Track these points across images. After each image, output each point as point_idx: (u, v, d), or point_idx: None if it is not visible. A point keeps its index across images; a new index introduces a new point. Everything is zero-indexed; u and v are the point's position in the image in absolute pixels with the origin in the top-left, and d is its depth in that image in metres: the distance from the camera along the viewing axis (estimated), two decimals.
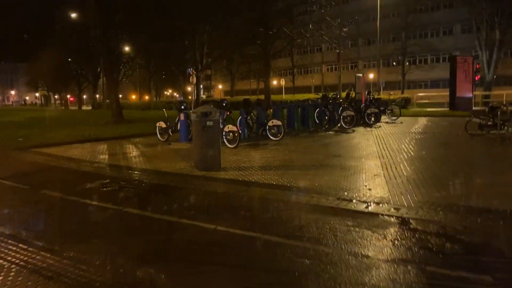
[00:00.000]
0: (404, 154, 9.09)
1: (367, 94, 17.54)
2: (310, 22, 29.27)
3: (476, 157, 8.91)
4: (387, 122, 16.83)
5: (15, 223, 5.08)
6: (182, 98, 40.59)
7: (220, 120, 8.92)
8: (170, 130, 12.63)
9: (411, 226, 4.52)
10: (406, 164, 7.85)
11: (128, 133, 14.96)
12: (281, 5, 26.93)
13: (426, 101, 28.68)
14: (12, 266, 3.71)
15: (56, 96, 75.22)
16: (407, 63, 48.23)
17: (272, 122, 12.22)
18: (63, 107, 66.04)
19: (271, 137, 12.08)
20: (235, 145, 10.55)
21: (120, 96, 54.37)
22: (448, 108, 23.08)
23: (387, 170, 7.39)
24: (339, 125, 15.30)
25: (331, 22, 29.37)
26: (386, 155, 8.95)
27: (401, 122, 16.72)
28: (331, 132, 13.98)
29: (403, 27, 47.05)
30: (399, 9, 47.56)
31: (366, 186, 6.25)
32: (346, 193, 5.83)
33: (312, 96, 23.60)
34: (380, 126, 15.38)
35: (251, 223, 4.78)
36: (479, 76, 25.54)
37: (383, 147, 10.12)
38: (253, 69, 52.60)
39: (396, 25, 47.28)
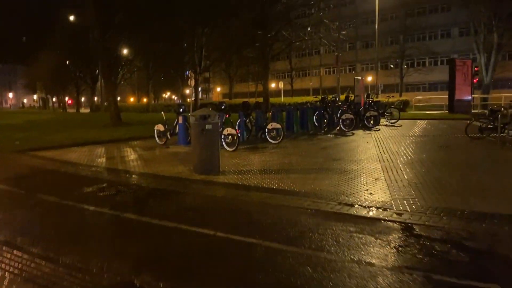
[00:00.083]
0: (405, 157, 9.01)
1: (366, 97, 17.49)
2: (308, 25, 29.18)
3: (478, 160, 8.83)
4: (386, 125, 16.77)
5: (9, 229, 4.97)
6: (180, 101, 40.50)
7: (219, 123, 8.83)
8: (168, 133, 12.53)
9: (415, 232, 4.43)
10: (407, 168, 7.77)
11: (126, 136, 14.86)
12: (280, 7, 26.88)
13: (425, 104, 28.67)
14: (5, 275, 3.61)
15: (54, 99, 74.98)
16: (405, 66, 48.28)
17: (271, 125, 12.13)
18: (61, 110, 65.83)
19: (270, 140, 11.99)
20: (234, 148, 10.46)
21: (119, 98, 54.25)
22: (447, 111, 23.06)
23: (388, 173, 7.31)
24: (338, 128, 15.26)
25: (329, 25, 29.33)
26: (386, 159, 8.87)
27: (400, 125, 16.67)
28: (331, 135, 13.91)
29: (401, 30, 47.19)
30: (397, 12, 47.71)
31: (367, 190, 6.17)
32: (347, 198, 5.74)
33: (310, 99, 23.54)
34: (379, 129, 15.32)
35: (251, 229, 4.68)
36: (477, 79, 25.53)
37: (383, 150, 10.04)
38: (251, 71, 52.53)
39: (394, 28, 47.43)
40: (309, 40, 29.88)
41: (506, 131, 10.80)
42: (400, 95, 39.45)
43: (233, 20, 28.43)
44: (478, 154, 9.61)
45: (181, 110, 12.49)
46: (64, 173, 8.65)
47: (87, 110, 58.12)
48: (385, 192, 6.00)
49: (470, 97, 22.55)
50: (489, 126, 11.17)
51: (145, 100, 56.58)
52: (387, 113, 18.02)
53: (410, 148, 10.38)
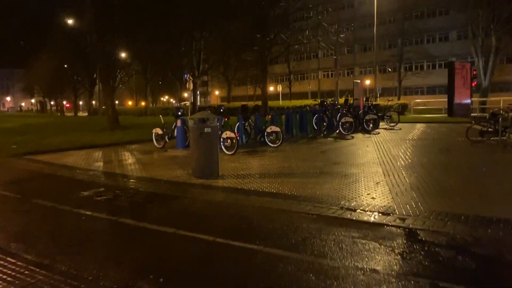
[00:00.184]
0: (405, 160, 8.92)
1: (366, 100, 17.42)
2: (307, 28, 29.19)
3: (479, 164, 8.74)
4: (385, 128, 16.69)
5: (3, 235, 4.85)
6: (179, 104, 40.40)
7: (218, 127, 8.74)
8: (166, 136, 12.43)
9: (419, 238, 4.33)
10: (408, 171, 7.68)
11: (124, 140, 14.74)
12: (278, 11, 26.86)
13: (423, 107, 28.62)
14: None
15: (52, 103, 74.83)
16: (404, 70, 48.31)
17: (271, 129, 12.04)
18: (59, 114, 65.67)
19: (270, 144, 11.90)
20: (233, 152, 10.36)
21: (117, 102, 54.20)
22: (445, 114, 23.01)
23: (389, 177, 7.22)
24: (337, 131, 15.17)
25: (328, 28, 29.34)
26: (387, 162, 8.78)
27: (400, 129, 16.59)
28: (330, 139, 13.81)
29: (400, 34, 47.23)
30: (396, 16, 47.76)
31: (368, 194, 6.07)
32: (349, 202, 5.64)
33: (309, 102, 23.47)
34: (379, 133, 15.24)
35: (251, 235, 4.57)
36: (475, 82, 25.52)
37: (383, 154, 9.95)
38: (249, 75, 52.55)
39: (392, 31, 47.45)
40: (307, 43, 29.89)
41: (507, 134, 10.73)
42: (399, 99, 39.43)
43: (231, 23, 28.39)
44: (479, 158, 9.52)
45: (179, 113, 12.39)
46: (61, 177, 8.53)
47: (85, 114, 57.94)
48: (387, 197, 5.90)
49: (469, 101, 22.52)
50: (490, 129, 11.10)
51: (143, 103, 56.48)
52: (387, 116, 17.95)
53: (411, 152, 10.30)
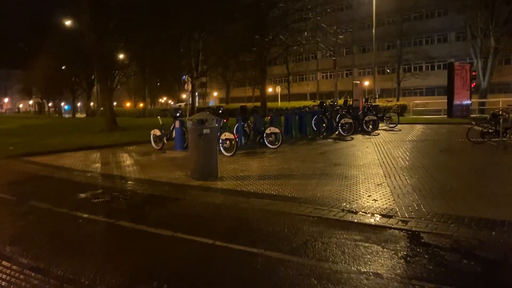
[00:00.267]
0: (406, 162, 8.84)
1: (365, 101, 17.35)
2: (306, 30, 29.13)
3: (481, 165, 8.68)
4: (385, 130, 16.62)
5: None
6: (177, 105, 40.31)
7: (218, 128, 8.66)
8: (165, 138, 12.32)
9: (423, 241, 4.24)
10: (409, 173, 7.60)
11: (122, 141, 14.63)
12: (277, 12, 26.81)
13: (422, 108, 28.59)
14: None
15: (50, 104, 74.64)
16: (402, 71, 48.29)
17: (270, 130, 11.95)
18: (57, 115, 65.50)
19: (269, 145, 11.81)
20: (232, 153, 10.27)
21: (115, 103, 54.01)
22: (445, 115, 22.97)
23: (390, 179, 7.14)
24: (337, 132, 15.10)
25: (326, 29, 29.29)
26: (388, 163, 8.70)
27: (400, 130, 16.52)
28: (330, 140, 13.74)
29: (398, 35, 47.18)
30: (394, 17, 47.74)
31: (370, 196, 5.99)
32: (350, 205, 5.56)
33: (308, 103, 23.41)
34: (378, 134, 15.16)
35: (251, 238, 4.49)
36: (474, 83, 25.50)
37: (383, 155, 9.87)
38: (248, 76, 52.47)
39: (391, 33, 47.41)
40: (306, 44, 29.82)
41: (507, 135, 10.67)
42: (398, 100, 39.37)
43: (230, 24, 28.34)
44: (480, 159, 9.46)
45: (177, 114, 12.30)
46: (58, 179, 8.44)
47: (83, 115, 57.80)
48: (388, 198, 5.81)
49: (469, 102, 22.48)
50: (490, 130, 11.04)
51: (141, 105, 56.38)
52: (386, 117, 17.88)
53: (411, 153, 10.23)
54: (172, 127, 12.33)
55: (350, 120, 14.57)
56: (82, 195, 6.77)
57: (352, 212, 5.24)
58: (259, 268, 3.70)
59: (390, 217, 4.99)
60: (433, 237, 4.32)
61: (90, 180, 8.13)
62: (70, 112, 65.24)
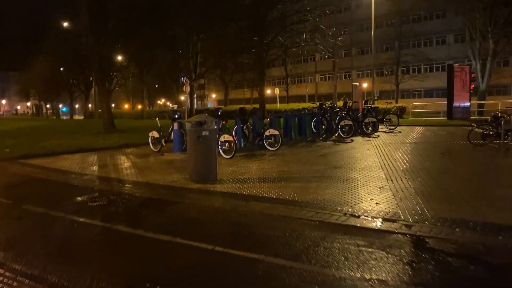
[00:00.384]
0: (407, 164, 8.74)
1: (365, 103, 17.26)
2: (304, 31, 29.03)
3: (483, 168, 8.58)
4: (385, 132, 16.53)
5: None
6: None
7: (217, 130, 8.54)
8: (163, 140, 12.20)
9: (428, 246, 4.14)
10: (411, 176, 7.49)
11: (120, 143, 14.50)
12: (276, 13, 26.72)
13: (421, 110, 28.54)
14: None
15: (48, 106, 74.42)
16: (401, 73, 48.26)
17: (269, 132, 11.84)
18: (55, 117, 65.28)
19: (268, 147, 11.70)
20: (231, 155, 10.15)
21: (113, 105, 53.92)
22: (444, 117, 22.90)
23: (392, 182, 7.03)
24: (336, 134, 15.01)
25: (325, 31, 29.22)
26: (389, 166, 8.60)
27: (400, 132, 16.42)
28: (329, 142, 13.63)
29: (397, 37, 47.17)
30: (393, 19, 47.74)
31: (372, 200, 5.88)
32: (352, 208, 5.45)
33: (306, 105, 23.32)
34: (378, 136, 15.06)
35: (252, 243, 4.37)
36: (473, 85, 25.44)
37: (384, 158, 9.77)
38: (247, 78, 52.37)
39: (389, 35, 47.39)
40: (305, 46, 29.70)
41: (509, 137, 10.58)
42: (396, 102, 39.32)
43: (229, 26, 28.24)
44: (482, 162, 9.36)
45: (176, 116, 12.18)
46: (54, 182, 8.31)
47: (81, 117, 57.61)
48: (391, 202, 5.71)
49: (468, 103, 22.42)
50: (491, 132, 10.95)
51: (139, 106, 56.24)
52: (386, 119, 17.79)
53: (412, 155, 10.12)
54: (170, 129, 12.21)
55: (350, 122, 14.48)
56: (79, 199, 6.65)
57: (354, 216, 5.13)
58: (260, 275, 3.59)
59: (393, 221, 4.88)
60: (438, 242, 4.21)
61: (87, 183, 8.00)
62: (68, 114, 65.03)
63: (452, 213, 5.13)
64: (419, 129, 17.98)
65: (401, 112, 24.79)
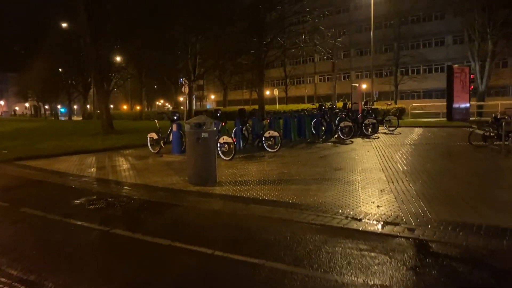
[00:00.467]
0: (408, 166, 8.67)
1: (364, 104, 17.20)
2: (303, 32, 29.01)
3: (485, 170, 8.51)
4: (385, 133, 16.46)
5: None
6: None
7: (216, 131, 8.46)
8: (162, 141, 12.12)
9: (431, 250, 4.06)
10: (412, 178, 7.42)
11: (118, 145, 14.41)
12: (275, 14, 26.69)
13: (420, 112, 28.50)
14: None
15: (46, 107, 74.28)
16: (400, 74, 48.24)
17: (269, 133, 11.76)
18: (53, 118, 65.14)
19: (268, 149, 11.63)
20: (230, 157, 10.08)
21: (111, 106, 53.81)
22: (443, 118, 22.85)
23: (393, 184, 6.96)
24: (336, 136, 14.94)
25: (324, 32, 29.19)
26: (389, 168, 8.53)
27: (399, 133, 16.36)
28: (329, 143, 13.55)
29: (396, 38, 47.14)
30: (392, 20, 47.72)
31: (373, 202, 5.81)
32: (353, 211, 5.37)
33: (305, 106, 23.25)
34: (378, 137, 14.99)
35: (252, 247, 4.29)
36: (472, 86, 25.43)
37: (385, 159, 9.70)
38: (245, 79, 52.31)
39: (388, 36, 47.36)
40: (304, 47, 29.69)
41: (510, 139, 10.52)
42: (395, 103, 39.30)
43: (228, 27, 28.19)
44: (483, 163, 9.29)
45: (175, 117, 12.10)
46: (52, 184, 8.22)
47: (80, 118, 57.47)
48: (393, 205, 5.63)
49: (468, 105, 22.38)
50: (492, 134, 10.89)
51: (138, 107, 56.15)
52: (386, 120, 17.74)
53: (413, 157, 10.06)
54: (169, 130, 12.13)
55: (350, 124, 14.41)
56: (77, 201, 6.56)
57: (356, 219, 5.05)
58: (261, 281, 3.51)
59: (396, 224, 4.81)
60: (442, 247, 4.14)
61: (85, 185, 7.92)
62: (66, 115, 64.90)
63: (455, 216, 5.06)
64: (419, 130, 17.92)
65: (400, 113, 24.73)
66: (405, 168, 8.49)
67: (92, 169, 9.74)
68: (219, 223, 5.28)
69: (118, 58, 37.71)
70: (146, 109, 62.75)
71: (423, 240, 4.33)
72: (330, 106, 17.03)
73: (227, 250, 4.16)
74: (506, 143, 10.45)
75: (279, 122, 14.38)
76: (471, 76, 24.18)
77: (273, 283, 3.45)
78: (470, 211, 5.29)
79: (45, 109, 74.78)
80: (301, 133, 15.10)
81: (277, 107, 34.60)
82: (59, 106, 71.82)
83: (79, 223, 5.36)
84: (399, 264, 3.72)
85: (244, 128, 12.74)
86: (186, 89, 25.04)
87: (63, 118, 63.48)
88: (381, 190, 6.52)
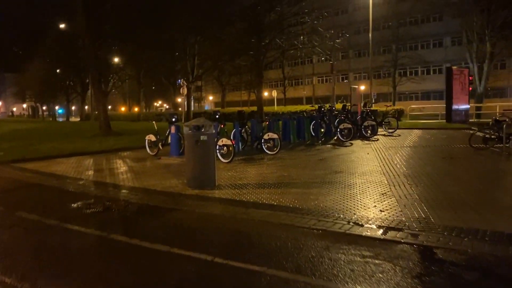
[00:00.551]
0: (409, 169, 8.59)
1: (364, 106, 17.12)
2: (302, 33, 28.96)
3: (486, 173, 8.43)
4: (384, 135, 16.39)
5: None
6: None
7: (215, 134, 8.37)
8: (160, 143, 12.01)
9: (436, 257, 3.97)
10: (413, 181, 7.34)
11: (116, 147, 14.29)
12: (274, 16, 26.63)
13: (419, 113, 28.47)
14: None
15: (44, 107, 74.01)
16: (398, 75, 48.24)
17: (268, 135, 11.66)
18: (51, 119, 64.90)
19: (267, 151, 11.53)
20: (229, 159, 9.98)
21: (110, 107, 53.62)
22: (442, 120, 22.80)
23: (394, 188, 6.87)
24: (335, 138, 14.85)
25: (323, 33, 29.14)
26: (390, 171, 8.44)
27: (399, 135, 16.28)
28: (329, 146, 13.47)
29: (394, 40, 47.15)
30: (390, 22, 47.73)
31: (375, 207, 5.72)
32: (355, 216, 5.28)
33: (304, 107, 23.18)
34: (378, 139, 14.91)
35: (253, 254, 4.19)
36: (471, 88, 25.41)
37: (385, 162, 9.62)
38: (244, 80, 52.22)
39: (386, 37, 47.36)
40: (303, 48, 29.63)
41: (510, 141, 10.45)
42: (394, 104, 39.26)
43: (227, 28, 28.12)
44: (485, 166, 9.21)
45: (173, 119, 11.99)
46: (49, 187, 8.10)
47: (77, 119, 57.27)
48: (395, 209, 5.54)
49: (467, 106, 22.33)
50: (493, 136, 10.82)
51: (136, 109, 56.01)
52: (385, 122, 17.66)
53: (413, 160, 9.98)
54: (167, 132, 12.02)
55: (349, 125, 14.32)
56: (74, 205, 6.45)
57: (358, 224, 4.96)
58: None
59: (399, 230, 4.72)
60: (447, 253, 4.05)
61: (82, 188, 7.80)
62: (64, 116, 64.68)
63: (459, 221, 4.98)
64: (418, 132, 17.85)
65: (399, 114, 24.68)
66: (406, 171, 8.41)
67: (90, 172, 9.63)
68: (218, 228, 5.18)
69: (116, 59, 37.58)
70: (144, 110, 62.60)
71: (428, 246, 4.23)
72: (329, 108, 16.94)
73: (227, 257, 4.06)
74: (507, 145, 10.38)
75: (278, 124, 14.28)
76: (470, 78, 24.16)
77: None
78: (474, 216, 5.20)
79: (42, 110, 74.49)
80: (300, 135, 15.00)
81: (276, 108, 34.51)
82: (57, 107, 71.53)
83: (75, 228, 5.25)
84: (404, 272, 3.63)
85: (243, 130, 12.64)
86: (184, 90, 24.96)
87: (61, 119, 63.23)
88: (382, 194, 6.43)
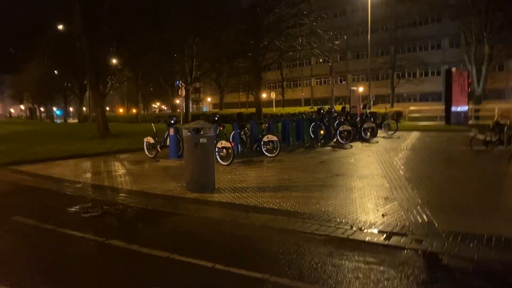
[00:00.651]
0: (410, 172, 8.51)
1: (363, 108, 17.06)
2: (301, 35, 28.91)
3: (489, 176, 8.36)
4: (384, 137, 16.32)
5: None
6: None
7: (215, 136, 8.28)
8: (158, 145, 11.92)
9: (442, 264, 3.89)
10: (415, 184, 7.26)
11: (114, 149, 14.19)
12: (272, 17, 26.58)
13: (418, 115, 28.44)
14: None
15: (42, 109, 73.78)
16: (396, 77, 48.25)
17: (267, 138, 11.58)
18: (49, 120, 64.68)
19: (266, 153, 11.44)
20: (228, 162, 9.89)
21: (108, 109, 53.46)
22: (441, 122, 22.75)
23: (396, 191, 6.79)
24: (335, 140, 14.77)
25: (322, 35, 29.10)
26: (391, 174, 8.36)
27: (399, 137, 16.22)
28: (328, 148, 13.39)
29: (392, 41, 47.18)
30: (388, 24, 47.76)
31: (378, 211, 5.63)
32: (358, 221, 5.19)
33: (302, 109, 23.09)
34: (377, 142, 14.84)
35: (254, 260, 4.10)
36: (469, 90, 25.39)
37: (386, 165, 9.54)
38: (242, 82, 52.18)
39: (385, 39, 47.38)
40: (301, 50, 29.58)
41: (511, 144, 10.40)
42: (392, 106, 39.26)
43: (225, 30, 28.06)
44: (487, 169, 9.14)
45: (172, 121, 11.90)
46: (46, 190, 7.99)
47: (75, 121, 57.07)
48: (398, 214, 5.46)
49: (466, 108, 22.30)
50: (494, 139, 10.76)
51: (134, 110, 55.86)
52: (385, 124, 17.60)
53: (414, 162, 9.91)
54: (166, 134, 11.92)
55: (349, 128, 14.26)
56: (71, 209, 6.34)
57: (361, 229, 4.87)
58: None
59: (402, 235, 4.63)
60: (453, 260, 3.97)
61: (80, 191, 7.69)
62: (62, 117, 64.47)
63: (463, 226, 4.90)
64: (418, 134, 17.80)
65: (398, 116, 24.64)
66: (408, 174, 8.33)
67: (88, 175, 9.52)
68: (219, 233, 5.08)
69: (114, 61, 37.43)
70: (143, 112, 62.43)
71: (433, 252, 4.15)
72: (328, 110, 16.87)
73: (228, 263, 3.97)
74: (508, 148, 10.32)
75: (278, 126, 14.21)
76: (469, 80, 24.14)
77: None
78: (478, 221, 5.13)
79: (40, 112, 74.25)
80: (300, 137, 14.93)
81: (274, 110, 34.45)
82: (54, 109, 71.33)
83: (73, 233, 5.14)
84: (409, 279, 3.54)
85: (242, 132, 12.56)
86: (182, 92, 24.88)
87: (58, 121, 63.04)
88: (384, 198, 6.35)
